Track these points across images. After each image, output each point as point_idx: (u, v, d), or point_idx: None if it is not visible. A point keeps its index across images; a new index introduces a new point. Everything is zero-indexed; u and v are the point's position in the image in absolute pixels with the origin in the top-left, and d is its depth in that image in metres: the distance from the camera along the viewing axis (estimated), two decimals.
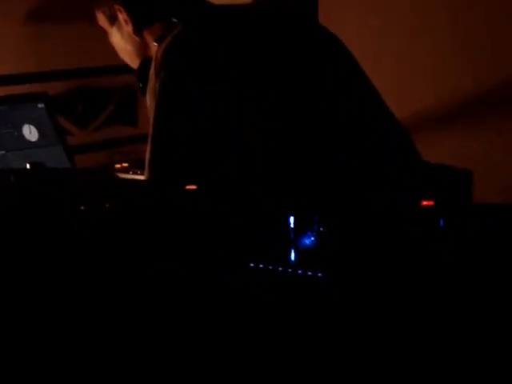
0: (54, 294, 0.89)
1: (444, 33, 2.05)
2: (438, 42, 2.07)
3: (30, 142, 1.77)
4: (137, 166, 1.72)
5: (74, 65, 2.04)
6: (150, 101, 1.30)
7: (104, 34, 1.50)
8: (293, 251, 0.88)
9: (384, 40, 2.11)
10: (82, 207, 0.99)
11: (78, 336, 0.86)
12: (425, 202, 0.93)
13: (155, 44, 1.36)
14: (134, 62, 1.46)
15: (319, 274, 0.82)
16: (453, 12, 2.01)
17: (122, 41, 1.44)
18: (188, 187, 1.04)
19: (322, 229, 0.86)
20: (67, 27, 2.05)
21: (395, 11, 2.08)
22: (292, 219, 0.89)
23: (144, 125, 2.15)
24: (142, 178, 1.65)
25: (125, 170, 1.75)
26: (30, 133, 1.77)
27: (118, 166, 1.78)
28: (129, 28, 1.39)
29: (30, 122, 1.78)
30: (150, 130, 1.27)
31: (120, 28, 1.43)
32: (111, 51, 1.52)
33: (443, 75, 2.06)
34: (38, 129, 1.78)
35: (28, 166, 1.16)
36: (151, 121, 1.27)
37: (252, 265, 0.85)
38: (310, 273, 0.82)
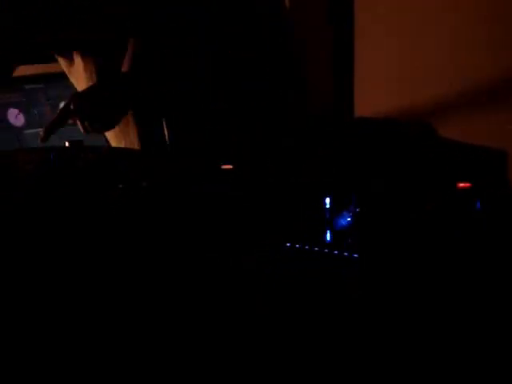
0: (88, 268, 0.91)
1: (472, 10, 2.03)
2: (468, 21, 2.05)
3: None
4: None
5: None
6: None
7: None
8: (328, 232, 0.88)
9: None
10: (120, 185, 1.01)
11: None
12: (461, 184, 0.93)
13: None
14: None
15: (355, 255, 0.82)
16: None
17: None
18: (224, 167, 1.05)
19: (358, 209, 0.86)
20: None
21: None
22: (328, 200, 0.90)
23: None
24: None
25: None
26: None
27: None
28: None
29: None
30: None
31: None
32: None
33: (474, 55, 2.04)
34: None
35: (67, 143, 1.18)
36: None
37: (288, 244, 0.85)
38: (345, 253, 0.83)
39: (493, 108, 2.09)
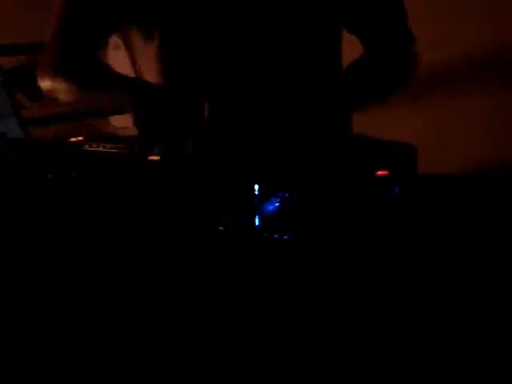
0: (27, 261, 0.92)
1: None
2: None
3: None
4: (93, 140, 1.73)
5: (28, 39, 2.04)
6: None
7: None
8: (257, 217, 0.93)
9: None
10: (49, 175, 1.02)
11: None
12: (380, 172, 0.99)
13: None
14: None
15: (285, 237, 0.87)
16: None
17: None
18: (151, 157, 1.07)
19: (286, 194, 0.91)
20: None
21: None
22: (256, 187, 0.94)
23: None
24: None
25: (80, 144, 1.76)
26: None
27: (73, 139, 1.79)
28: None
29: None
30: None
31: None
32: None
33: None
34: None
35: None
36: None
37: (221, 228, 0.90)
38: (275, 236, 0.88)
39: (400, 106, 2.18)
